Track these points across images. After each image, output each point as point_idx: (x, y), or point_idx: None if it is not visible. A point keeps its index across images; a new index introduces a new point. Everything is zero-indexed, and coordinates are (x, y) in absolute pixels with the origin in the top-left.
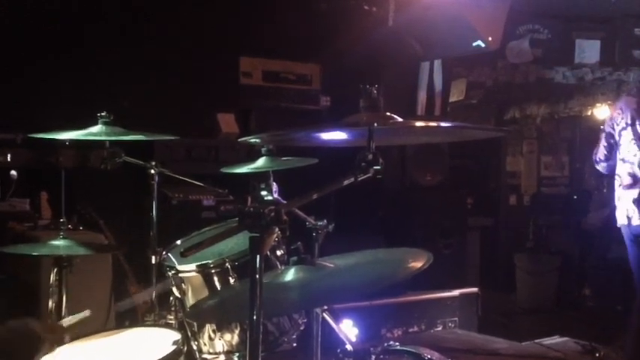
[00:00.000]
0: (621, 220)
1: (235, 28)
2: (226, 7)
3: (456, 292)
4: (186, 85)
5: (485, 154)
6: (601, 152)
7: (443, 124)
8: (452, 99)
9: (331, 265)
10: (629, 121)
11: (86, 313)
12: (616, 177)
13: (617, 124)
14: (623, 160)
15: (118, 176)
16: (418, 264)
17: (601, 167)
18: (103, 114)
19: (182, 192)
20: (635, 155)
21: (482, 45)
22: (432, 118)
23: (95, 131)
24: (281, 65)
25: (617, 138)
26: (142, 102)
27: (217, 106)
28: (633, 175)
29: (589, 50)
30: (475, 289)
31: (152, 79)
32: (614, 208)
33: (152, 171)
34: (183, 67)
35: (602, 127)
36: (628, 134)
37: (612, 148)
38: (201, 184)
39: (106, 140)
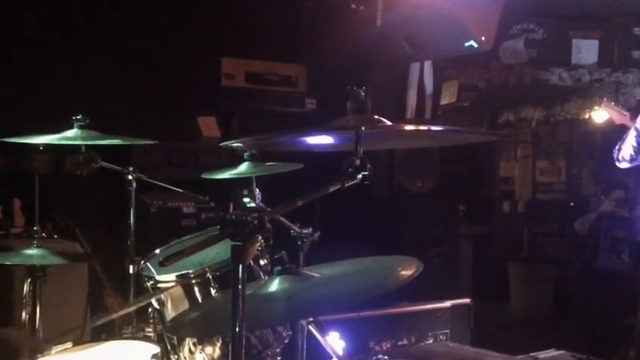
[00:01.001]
0: None
1: (217, 27)
2: (207, 6)
3: (447, 303)
4: (166, 87)
5: (478, 159)
6: (627, 150)
7: (434, 128)
8: (443, 102)
9: (317, 275)
10: None
11: (68, 345)
12: None
13: None
14: None
15: (94, 182)
16: (408, 272)
17: (622, 164)
18: (78, 117)
19: (161, 199)
20: None
21: (475, 45)
22: (423, 122)
23: (70, 135)
24: (264, 66)
25: None
26: (119, 105)
27: (198, 109)
28: None
29: (586, 50)
30: (467, 300)
31: (130, 81)
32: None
33: (130, 177)
34: (162, 68)
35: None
36: None
37: None
38: (181, 191)
39: (81, 145)
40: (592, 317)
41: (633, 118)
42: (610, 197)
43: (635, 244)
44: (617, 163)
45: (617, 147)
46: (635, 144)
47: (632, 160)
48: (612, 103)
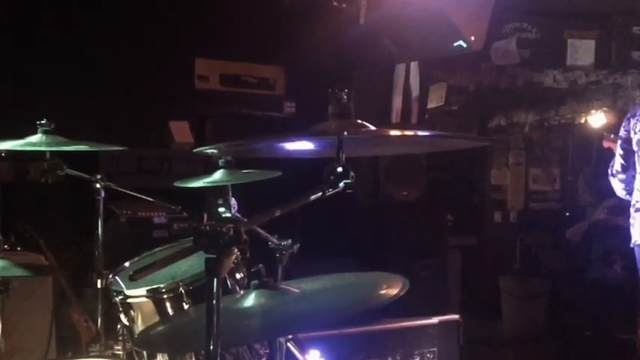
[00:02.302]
0: (637, 241)
1: (190, 26)
2: (180, 4)
3: (435, 320)
4: (135, 89)
5: (468, 166)
6: (617, 163)
7: (420, 133)
8: (430, 105)
9: (296, 290)
10: None
11: None
12: (635, 194)
13: (636, 132)
14: None
15: (59, 191)
16: (392, 291)
17: (616, 182)
18: (42, 122)
19: (131, 208)
20: None
21: (464, 45)
22: (409, 127)
23: (34, 141)
24: (241, 68)
25: (635, 148)
26: (86, 109)
27: (170, 113)
28: None
29: (583, 51)
30: (456, 316)
31: (97, 83)
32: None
33: (97, 185)
34: (132, 69)
35: (608, 134)
36: None
37: (629, 155)
38: (152, 200)
39: (46, 151)
40: (585, 332)
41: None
42: (603, 205)
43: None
44: (611, 180)
45: (610, 164)
46: (621, 151)
47: (624, 170)
48: (612, 135)
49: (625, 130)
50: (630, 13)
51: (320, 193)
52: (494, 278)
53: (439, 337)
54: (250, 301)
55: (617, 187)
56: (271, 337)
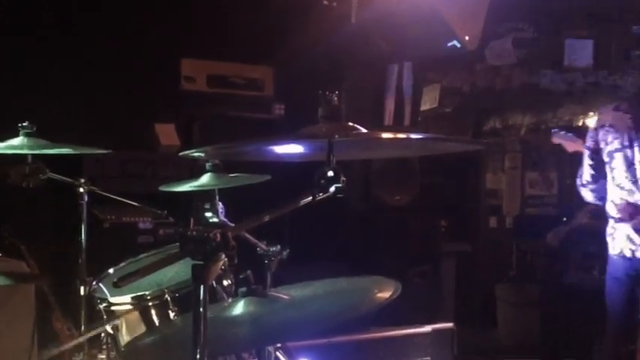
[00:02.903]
0: (623, 251)
1: (176, 25)
2: (165, 1)
3: (428, 328)
4: (120, 91)
5: (462, 170)
6: (587, 173)
7: (413, 136)
8: (423, 107)
9: (286, 297)
10: (625, 143)
11: None
12: (609, 206)
13: (608, 144)
14: (619, 186)
15: (41, 195)
16: (385, 295)
17: (587, 192)
18: (24, 124)
19: (115, 213)
20: (634, 181)
21: (459, 45)
22: (401, 129)
23: (16, 144)
24: (228, 68)
25: (607, 159)
26: (69, 110)
27: (155, 115)
28: (634, 205)
29: (580, 51)
30: (450, 325)
31: (81, 85)
32: (606, 236)
33: (81, 189)
34: (115, 70)
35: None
36: (625, 157)
37: (600, 167)
38: (137, 205)
39: (28, 154)
40: (570, 340)
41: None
42: (585, 209)
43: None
44: (580, 190)
45: (578, 174)
46: (590, 162)
47: (595, 181)
48: (562, 132)
49: (593, 141)
50: (630, 12)
51: (310, 198)
52: (489, 285)
53: (432, 346)
54: (238, 308)
55: (588, 195)
56: (260, 345)
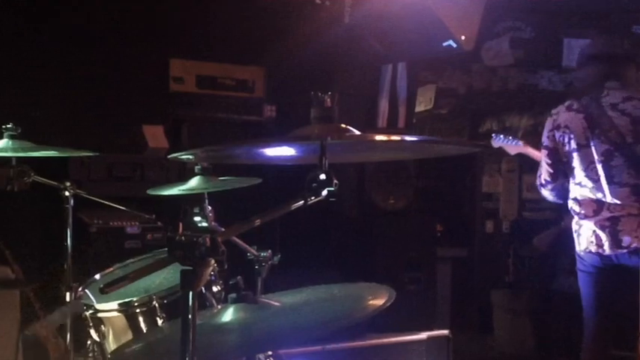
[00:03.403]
0: (589, 247)
1: (164, 24)
2: (154, 1)
3: (423, 335)
4: (107, 92)
5: (458, 173)
6: (545, 173)
7: (408, 139)
8: (418, 108)
9: (277, 304)
10: (582, 142)
11: None
12: (572, 203)
13: (565, 144)
14: (580, 184)
15: (26, 199)
16: (379, 302)
17: (547, 192)
18: (8, 126)
19: (102, 217)
20: (596, 179)
21: (454, 45)
22: (395, 132)
23: (0, 146)
24: (218, 69)
25: (565, 159)
26: (54, 112)
27: (143, 116)
28: (597, 201)
29: (579, 51)
30: (446, 332)
31: (66, 85)
32: (567, 233)
33: (66, 193)
34: (102, 71)
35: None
36: (584, 156)
37: (557, 165)
38: (125, 209)
39: (12, 157)
40: (566, 347)
41: (530, 144)
42: None
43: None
44: (541, 190)
45: (537, 174)
46: (549, 161)
47: (554, 179)
48: (501, 136)
49: (550, 141)
50: (629, 11)
51: (302, 202)
52: (485, 291)
53: (427, 353)
54: (228, 315)
55: (548, 195)
56: (250, 353)
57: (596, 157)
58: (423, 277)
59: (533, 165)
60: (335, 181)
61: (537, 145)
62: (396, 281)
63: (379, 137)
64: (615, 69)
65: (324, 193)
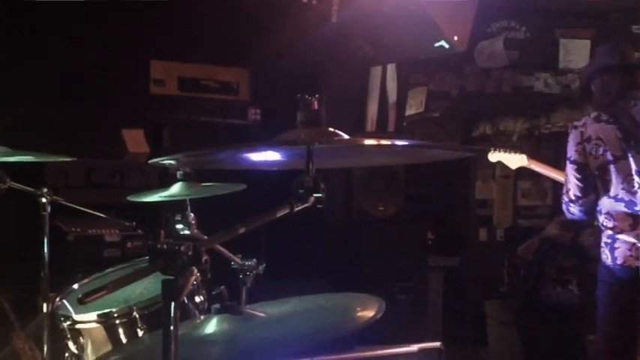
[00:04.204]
0: (627, 261)
1: (144, 24)
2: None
3: (414, 347)
4: (85, 94)
5: (450, 179)
6: (575, 188)
7: (398, 143)
8: (409, 112)
9: (262, 315)
10: (618, 153)
11: None
12: (603, 218)
13: (598, 157)
14: (616, 197)
15: (1, 205)
16: (368, 313)
17: (576, 209)
18: None
19: (80, 225)
20: (633, 191)
21: (446, 46)
22: (385, 136)
23: None
24: (201, 70)
25: (597, 172)
26: (30, 116)
27: (123, 120)
28: (633, 215)
29: (576, 52)
30: (438, 344)
31: (42, 88)
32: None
33: (43, 199)
34: (80, 72)
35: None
36: (621, 168)
37: (588, 180)
38: (104, 216)
39: None
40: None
41: (533, 159)
42: (555, 220)
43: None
44: (567, 209)
45: (564, 190)
46: (578, 176)
47: (585, 195)
48: (501, 149)
49: (580, 155)
50: (628, 10)
51: (288, 209)
52: (479, 302)
53: None
54: (211, 327)
55: (576, 212)
56: None
57: (634, 167)
58: (413, 287)
59: (529, 170)
60: (322, 187)
61: (533, 152)
62: (386, 291)
63: (368, 142)
64: (634, 78)
65: (311, 199)
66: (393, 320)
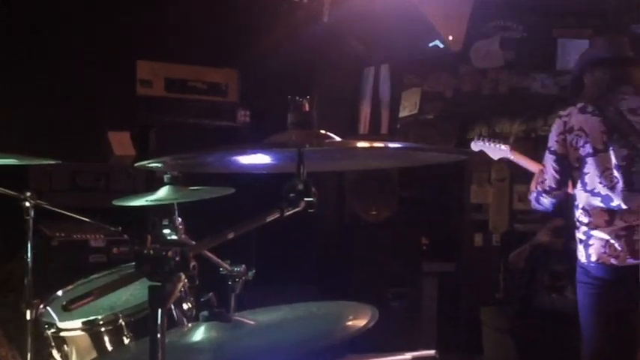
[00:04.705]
0: (601, 258)
1: (131, 24)
2: None
3: (408, 356)
4: (70, 96)
5: (445, 182)
6: (551, 179)
7: (391, 146)
8: (402, 113)
9: (251, 322)
10: (599, 146)
11: None
12: (579, 213)
13: (578, 148)
14: (592, 192)
15: None
16: (360, 322)
17: (548, 200)
18: None
19: (64, 230)
20: (611, 186)
21: (441, 46)
22: (378, 138)
23: None
24: (188, 71)
25: (577, 164)
26: (13, 117)
27: (108, 122)
28: (609, 210)
29: (574, 52)
30: (432, 352)
31: (26, 89)
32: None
33: (27, 203)
34: (65, 73)
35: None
36: (600, 161)
37: (566, 172)
38: (89, 220)
39: None
40: None
41: (515, 149)
42: (547, 226)
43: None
44: (541, 198)
45: (540, 178)
46: (557, 167)
47: (560, 186)
48: (485, 139)
49: (561, 145)
50: (628, 9)
51: (278, 213)
52: (474, 309)
53: None
54: (199, 334)
55: (547, 203)
56: None
57: (614, 162)
58: (407, 294)
59: (525, 173)
60: (313, 191)
61: (528, 152)
62: (379, 298)
63: (361, 144)
64: (627, 72)
65: (302, 203)
66: (387, 327)
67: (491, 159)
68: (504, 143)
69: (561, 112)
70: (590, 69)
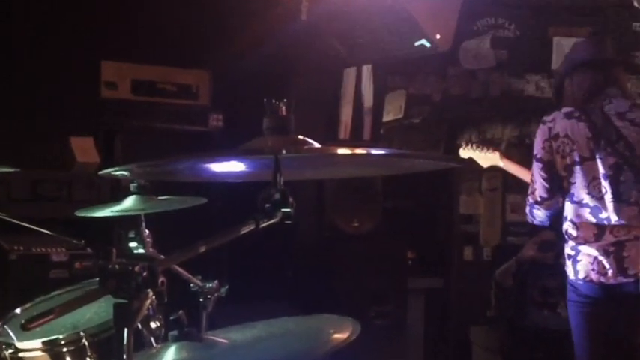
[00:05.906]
0: (589, 275)
1: (94, 21)
2: None
3: None
4: (29, 99)
5: (432, 192)
6: (541, 188)
7: (374, 152)
8: (386, 118)
9: (224, 341)
10: (585, 154)
11: None
12: (567, 226)
13: (565, 156)
14: (580, 203)
15: None
16: (341, 335)
17: (541, 212)
18: None
19: (23, 243)
20: (599, 197)
21: (428, 45)
22: (360, 144)
23: None
24: (157, 72)
25: (564, 173)
26: None
27: (71, 127)
28: (598, 224)
29: None
30: None
31: None
32: (561, 259)
33: None
34: (23, 75)
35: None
36: (587, 170)
37: (554, 179)
38: (50, 233)
39: None
40: None
41: (506, 156)
42: (533, 240)
43: None
44: (533, 211)
45: (529, 191)
46: (544, 176)
47: (550, 196)
48: (474, 145)
49: (546, 153)
50: (628, 7)
51: (253, 225)
52: (463, 327)
53: None
54: (169, 355)
55: (541, 215)
56: None
57: (602, 171)
58: (391, 312)
59: (519, 183)
60: (291, 201)
61: (522, 159)
62: (362, 316)
63: (341, 151)
64: (612, 75)
65: (279, 215)
66: (370, 347)
67: (481, 167)
68: (494, 149)
69: (545, 118)
70: (570, 73)
